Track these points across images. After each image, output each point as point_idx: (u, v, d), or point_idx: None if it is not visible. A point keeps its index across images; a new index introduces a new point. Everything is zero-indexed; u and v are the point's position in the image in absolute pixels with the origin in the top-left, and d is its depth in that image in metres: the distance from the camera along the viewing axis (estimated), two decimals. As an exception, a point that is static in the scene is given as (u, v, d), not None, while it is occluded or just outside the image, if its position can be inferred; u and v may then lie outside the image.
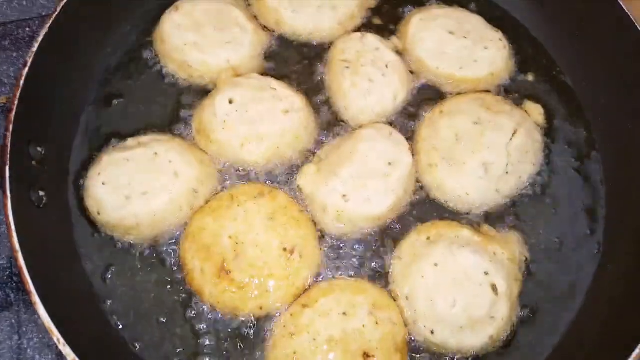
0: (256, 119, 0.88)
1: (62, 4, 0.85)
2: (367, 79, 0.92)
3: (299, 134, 0.89)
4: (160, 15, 0.99)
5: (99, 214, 0.82)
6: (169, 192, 0.82)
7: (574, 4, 0.98)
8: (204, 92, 0.95)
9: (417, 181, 0.89)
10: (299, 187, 0.87)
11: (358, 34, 0.98)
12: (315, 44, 1.01)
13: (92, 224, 0.85)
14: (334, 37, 1.00)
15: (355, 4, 1.02)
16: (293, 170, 0.89)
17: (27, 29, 1.12)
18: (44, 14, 1.14)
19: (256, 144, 0.87)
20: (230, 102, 0.88)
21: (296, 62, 1.00)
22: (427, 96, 0.97)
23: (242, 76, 0.93)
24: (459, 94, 0.96)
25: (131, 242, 0.84)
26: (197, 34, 0.95)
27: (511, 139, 0.86)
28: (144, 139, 0.88)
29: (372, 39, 0.97)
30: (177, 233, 0.84)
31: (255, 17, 1.03)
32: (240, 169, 0.89)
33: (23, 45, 1.10)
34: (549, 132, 0.95)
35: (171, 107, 0.95)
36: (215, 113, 0.88)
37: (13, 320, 0.90)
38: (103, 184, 0.82)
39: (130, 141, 0.88)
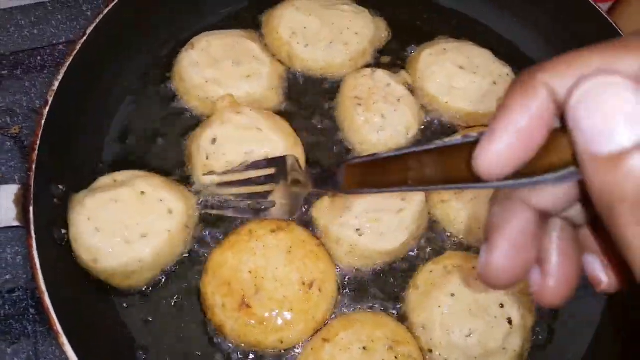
0: (231, 160, 0.88)
1: (79, 45, 0.86)
2: (380, 114, 0.94)
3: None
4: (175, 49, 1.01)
5: (95, 262, 0.79)
6: (167, 230, 0.82)
7: (577, 40, 1.01)
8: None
9: (430, 215, 0.91)
10: (313, 220, 0.89)
11: (368, 70, 1.00)
12: (326, 79, 1.04)
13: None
14: (345, 72, 1.03)
15: (367, 41, 1.04)
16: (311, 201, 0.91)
17: (39, 58, 1.13)
18: (54, 42, 1.15)
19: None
20: (214, 141, 0.89)
21: (308, 97, 1.02)
22: (437, 130, 0.99)
23: (237, 109, 0.92)
24: (467, 127, 0.98)
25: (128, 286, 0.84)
26: (216, 69, 0.97)
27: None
28: (119, 176, 0.86)
29: (382, 74, 0.99)
30: (174, 269, 0.86)
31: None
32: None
33: (35, 75, 1.11)
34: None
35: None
36: (199, 148, 0.90)
37: (30, 352, 0.90)
38: (97, 230, 0.79)
39: (104, 179, 0.86)
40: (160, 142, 0.97)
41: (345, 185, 0.57)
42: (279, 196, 0.82)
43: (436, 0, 1.16)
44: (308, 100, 1.02)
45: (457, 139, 0.39)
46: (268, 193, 0.74)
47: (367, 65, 1.04)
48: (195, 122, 0.98)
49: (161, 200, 0.83)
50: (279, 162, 0.81)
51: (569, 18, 1.04)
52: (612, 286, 0.40)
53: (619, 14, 1.24)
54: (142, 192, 0.83)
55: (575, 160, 0.32)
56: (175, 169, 0.94)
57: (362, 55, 1.04)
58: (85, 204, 0.81)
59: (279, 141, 0.90)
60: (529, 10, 1.10)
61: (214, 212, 0.87)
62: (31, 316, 0.92)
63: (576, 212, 0.39)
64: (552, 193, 0.37)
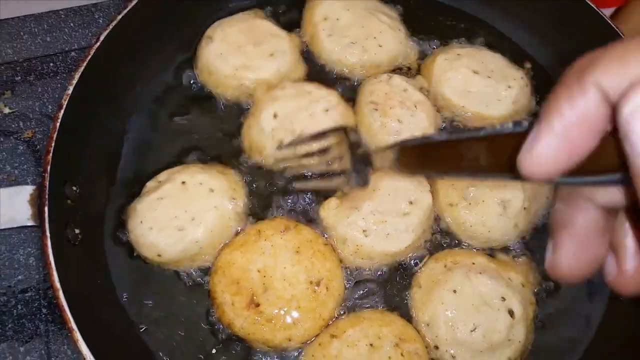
0: (301, 127, 0.92)
1: (94, 49, 0.88)
2: (396, 119, 0.96)
3: None
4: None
5: (160, 256, 0.84)
6: (214, 207, 0.87)
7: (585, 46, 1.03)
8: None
9: (436, 219, 0.92)
10: (321, 219, 0.90)
11: (385, 75, 1.02)
12: (334, 71, 1.06)
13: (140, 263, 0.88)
14: (353, 75, 1.05)
15: (386, 57, 1.05)
16: (318, 200, 0.92)
17: (51, 64, 1.16)
18: (66, 49, 1.18)
19: None
20: (275, 116, 0.92)
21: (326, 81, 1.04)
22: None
23: (277, 88, 0.97)
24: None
25: (194, 270, 0.88)
26: (241, 55, 1.00)
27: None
28: (161, 176, 0.91)
29: (399, 80, 1.01)
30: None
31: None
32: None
33: (47, 80, 1.14)
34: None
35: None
36: (262, 130, 0.92)
37: (43, 351, 0.92)
38: (150, 228, 0.85)
39: (150, 184, 0.91)
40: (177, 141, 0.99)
41: (401, 164, 0.55)
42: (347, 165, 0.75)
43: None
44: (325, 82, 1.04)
45: (508, 126, 0.38)
46: (339, 160, 0.70)
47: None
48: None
49: (201, 184, 0.88)
50: (339, 131, 0.73)
51: (571, 23, 1.06)
52: None
53: (622, 19, 1.26)
54: (183, 182, 0.88)
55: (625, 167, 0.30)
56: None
57: (375, 67, 1.05)
58: (137, 210, 0.87)
59: (328, 95, 0.96)
60: (535, 18, 1.12)
61: (298, 186, 0.81)
62: (43, 316, 0.94)
63: None
64: (618, 191, 0.35)
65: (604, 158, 0.32)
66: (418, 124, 0.96)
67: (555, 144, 0.32)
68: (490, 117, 1.00)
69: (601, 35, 1.00)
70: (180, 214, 0.85)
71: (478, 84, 1.01)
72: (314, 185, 0.79)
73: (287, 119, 0.93)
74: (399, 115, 0.96)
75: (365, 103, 0.99)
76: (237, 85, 1.00)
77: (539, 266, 0.90)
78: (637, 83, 0.28)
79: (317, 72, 1.06)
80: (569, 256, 0.38)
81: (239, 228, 0.89)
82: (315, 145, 0.74)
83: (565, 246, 0.38)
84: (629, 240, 0.38)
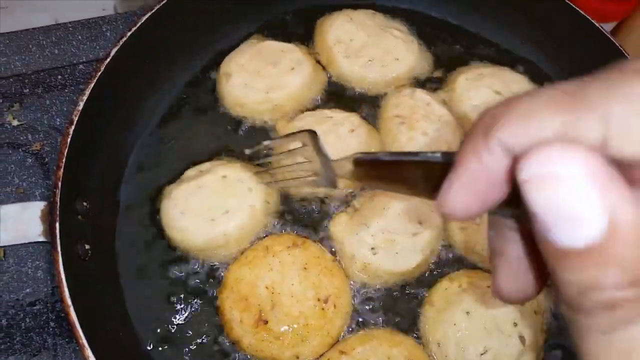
0: (331, 149, 0.91)
1: (104, 65, 0.89)
2: (422, 132, 0.97)
3: (371, 145, 0.97)
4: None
5: (185, 241, 0.88)
6: (250, 205, 0.89)
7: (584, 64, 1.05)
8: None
9: (445, 239, 0.93)
10: (330, 234, 0.91)
11: (408, 89, 1.04)
12: (355, 90, 1.08)
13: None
14: (376, 91, 1.07)
15: (405, 69, 1.07)
16: (328, 215, 0.94)
17: (59, 77, 1.17)
18: (74, 62, 1.18)
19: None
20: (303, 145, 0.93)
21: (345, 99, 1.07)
22: None
23: (296, 118, 1.00)
24: None
25: (217, 262, 0.90)
26: (265, 78, 1.02)
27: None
28: (204, 166, 0.95)
29: (422, 94, 1.02)
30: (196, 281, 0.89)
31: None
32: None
33: (55, 93, 1.15)
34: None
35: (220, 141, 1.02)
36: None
37: (50, 365, 0.92)
38: (182, 213, 0.88)
39: (190, 171, 0.94)
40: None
41: (356, 176, 0.59)
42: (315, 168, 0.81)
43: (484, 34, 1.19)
44: (346, 101, 1.06)
45: (437, 155, 0.41)
46: (307, 163, 0.77)
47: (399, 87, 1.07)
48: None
49: (241, 181, 0.91)
50: (303, 136, 0.80)
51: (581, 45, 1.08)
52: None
53: (623, 36, 1.27)
54: (224, 176, 0.91)
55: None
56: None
57: (395, 80, 1.07)
58: (172, 194, 0.90)
59: (349, 116, 0.99)
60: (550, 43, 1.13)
61: (276, 186, 0.92)
62: (51, 329, 0.94)
63: None
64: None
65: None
66: (443, 137, 0.97)
67: (464, 192, 0.33)
68: None
69: (603, 54, 1.01)
70: (215, 206, 0.88)
71: None
72: (284, 184, 0.88)
73: None
74: (425, 128, 0.97)
75: (391, 117, 1.00)
76: (271, 108, 1.01)
77: (552, 294, 0.90)
78: (536, 145, 0.28)
79: (337, 91, 1.08)
80: (508, 281, 0.39)
81: (266, 231, 0.92)
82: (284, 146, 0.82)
83: (502, 272, 0.40)
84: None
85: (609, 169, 0.27)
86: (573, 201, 0.26)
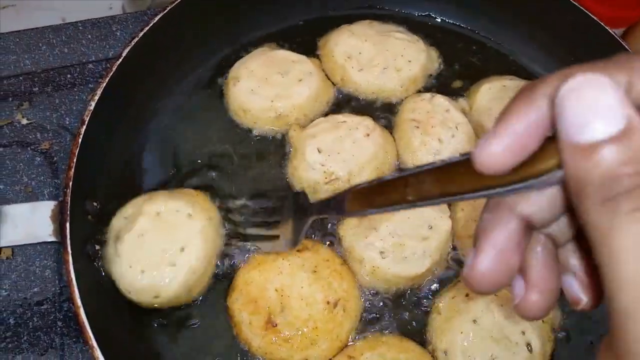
0: (349, 155, 0.93)
1: (116, 65, 0.89)
2: (437, 138, 0.97)
3: (387, 148, 0.97)
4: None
5: (158, 297, 0.82)
6: (199, 231, 0.85)
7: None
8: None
9: (454, 248, 0.92)
10: (339, 237, 0.90)
11: (428, 94, 1.03)
12: (376, 102, 1.08)
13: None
14: (395, 98, 1.07)
15: (419, 69, 1.08)
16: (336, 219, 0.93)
17: (68, 76, 1.16)
18: (84, 61, 1.18)
19: (359, 176, 0.93)
20: (319, 151, 0.93)
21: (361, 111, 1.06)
22: None
23: (309, 125, 0.99)
24: None
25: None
26: (272, 86, 1.01)
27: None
28: (126, 211, 0.87)
29: (441, 100, 1.02)
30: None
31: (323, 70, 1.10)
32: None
33: (64, 92, 1.14)
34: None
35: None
36: (311, 167, 0.93)
37: (57, 364, 0.92)
38: (142, 271, 0.81)
39: (116, 222, 0.87)
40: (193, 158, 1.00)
41: (349, 207, 0.60)
42: (283, 228, 0.85)
43: (491, 44, 1.19)
44: (359, 108, 1.06)
45: (456, 156, 0.43)
46: (275, 224, 0.78)
47: (418, 92, 1.08)
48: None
49: (177, 210, 0.86)
50: (284, 196, 0.84)
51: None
52: (590, 305, 0.43)
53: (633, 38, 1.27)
54: (157, 213, 0.85)
55: (560, 165, 0.35)
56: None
57: (413, 82, 1.07)
58: (120, 253, 0.82)
59: (364, 120, 0.98)
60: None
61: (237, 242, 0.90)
62: (59, 329, 0.94)
63: (558, 229, 0.42)
64: (537, 202, 0.40)
65: (540, 163, 0.37)
66: (457, 145, 0.97)
67: (507, 142, 0.37)
68: None
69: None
70: (168, 247, 0.82)
71: None
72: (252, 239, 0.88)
73: (333, 151, 0.94)
74: (439, 135, 0.97)
75: (407, 120, 1.00)
76: (275, 117, 1.01)
77: (560, 304, 0.90)
78: (575, 75, 0.34)
79: (348, 101, 1.08)
80: (487, 262, 0.41)
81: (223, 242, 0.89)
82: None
83: (485, 253, 0.41)
84: (536, 266, 0.43)
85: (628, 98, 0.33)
86: (602, 101, 0.32)
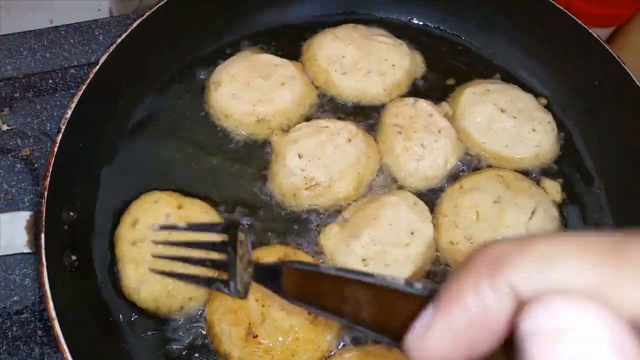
0: (330, 160, 0.92)
1: (93, 73, 0.88)
2: (420, 144, 0.96)
3: (369, 153, 0.96)
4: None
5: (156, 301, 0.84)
6: None
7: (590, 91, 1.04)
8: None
9: (436, 252, 0.91)
10: (321, 246, 0.90)
11: (411, 99, 1.02)
12: (360, 106, 1.07)
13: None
14: (378, 102, 1.05)
15: (403, 73, 1.06)
16: (319, 227, 0.92)
17: (50, 81, 1.15)
18: (65, 65, 1.17)
19: (341, 182, 0.92)
20: (300, 156, 0.92)
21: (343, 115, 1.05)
22: (469, 165, 1.00)
23: (291, 130, 0.98)
24: (499, 168, 0.98)
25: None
26: (254, 90, 1.00)
27: (530, 219, 0.89)
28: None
29: (425, 104, 1.01)
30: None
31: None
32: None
33: (46, 97, 1.13)
34: (565, 208, 0.97)
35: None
36: (291, 173, 0.92)
37: (36, 375, 0.91)
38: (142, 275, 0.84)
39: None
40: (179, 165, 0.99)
41: (286, 289, 0.50)
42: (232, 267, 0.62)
43: (476, 50, 1.17)
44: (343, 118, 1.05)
45: (399, 282, 0.36)
46: (223, 263, 0.61)
47: (402, 96, 1.06)
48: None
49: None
50: (232, 230, 0.62)
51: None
52: None
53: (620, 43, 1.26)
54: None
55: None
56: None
57: (397, 86, 1.06)
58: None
59: (346, 125, 0.97)
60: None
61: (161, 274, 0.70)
62: (39, 338, 0.93)
63: None
64: None
65: None
66: (441, 150, 0.96)
67: (450, 336, 0.28)
68: (509, 158, 0.99)
69: (608, 70, 1.00)
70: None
71: (502, 122, 1.00)
72: (182, 280, 0.68)
73: (314, 156, 0.93)
74: (422, 140, 0.96)
75: (390, 125, 0.99)
76: (256, 121, 1.00)
77: None
78: (553, 292, 0.24)
79: (332, 104, 1.07)
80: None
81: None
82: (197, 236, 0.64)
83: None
84: None
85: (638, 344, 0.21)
86: None
